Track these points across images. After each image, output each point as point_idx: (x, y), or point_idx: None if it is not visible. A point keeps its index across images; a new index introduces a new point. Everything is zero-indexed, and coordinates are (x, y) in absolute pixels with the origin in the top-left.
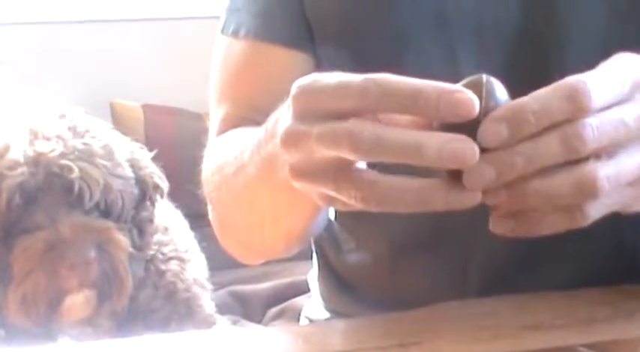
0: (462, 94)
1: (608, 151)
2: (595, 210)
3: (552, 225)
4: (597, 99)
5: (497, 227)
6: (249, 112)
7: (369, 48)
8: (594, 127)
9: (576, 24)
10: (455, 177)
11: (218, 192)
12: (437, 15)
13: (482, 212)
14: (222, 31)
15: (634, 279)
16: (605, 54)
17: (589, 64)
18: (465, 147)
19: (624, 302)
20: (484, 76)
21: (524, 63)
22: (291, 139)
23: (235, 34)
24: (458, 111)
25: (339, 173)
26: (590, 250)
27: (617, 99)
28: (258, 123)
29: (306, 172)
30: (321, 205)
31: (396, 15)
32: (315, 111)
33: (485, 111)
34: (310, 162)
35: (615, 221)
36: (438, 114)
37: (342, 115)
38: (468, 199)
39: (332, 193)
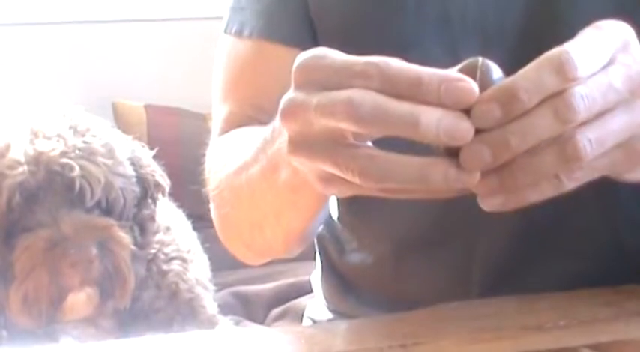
0: (464, 83)
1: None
2: (582, 173)
3: (540, 192)
4: (583, 68)
5: (487, 204)
6: (252, 111)
7: (372, 49)
8: (584, 96)
9: (580, 25)
10: (454, 156)
11: (220, 191)
12: (440, 17)
13: (483, 211)
14: (226, 31)
15: (635, 279)
16: None
17: None
18: (459, 123)
19: (627, 302)
20: (480, 59)
21: (528, 63)
22: (290, 109)
23: (239, 33)
24: (459, 99)
25: (338, 147)
26: (590, 248)
27: (602, 65)
28: (260, 122)
29: (304, 146)
30: (321, 189)
31: (400, 17)
32: (317, 83)
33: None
34: (309, 135)
35: (612, 218)
36: (438, 101)
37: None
38: (467, 178)
39: (330, 169)
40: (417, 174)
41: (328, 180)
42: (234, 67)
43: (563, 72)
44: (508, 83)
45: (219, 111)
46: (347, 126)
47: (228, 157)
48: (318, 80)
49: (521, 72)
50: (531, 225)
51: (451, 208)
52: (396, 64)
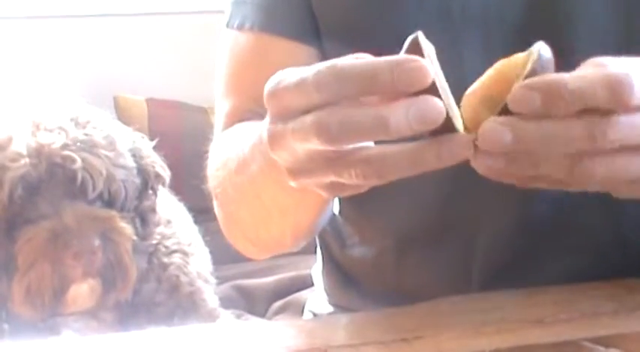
0: (414, 63)
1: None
2: (596, 175)
3: (547, 173)
4: (637, 98)
5: (481, 164)
6: (254, 105)
7: (375, 43)
8: (625, 126)
9: (582, 19)
10: (440, 134)
11: (223, 189)
12: (442, 10)
13: (485, 206)
14: (228, 25)
15: (637, 273)
16: (611, 48)
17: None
18: (426, 109)
19: (628, 296)
20: (419, 34)
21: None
22: (273, 141)
23: (241, 27)
24: (412, 81)
25: (331, 161)
26: (591, 243)
27: None
28: (262, 115)
29: (301, 170)
30: (329, 196)
31: (402, 11)
32: (287, 109)
33: None
34: (299, 159)
35: (615, 214)
36: (394, 88)
37: (314, 109)
38: (460, 151)
39: (334, 179)
40: (411, 161)
41: (335, 187)
42: (236, 61)
43: (617, 92)
44: (558, 78)
45: (221, 107)
46: (324, 147)
47: (228, 155)
48: (287, 106)
49: (575, 73)
50: (533, 220)
51: (453, 203)
52: (344, 63)
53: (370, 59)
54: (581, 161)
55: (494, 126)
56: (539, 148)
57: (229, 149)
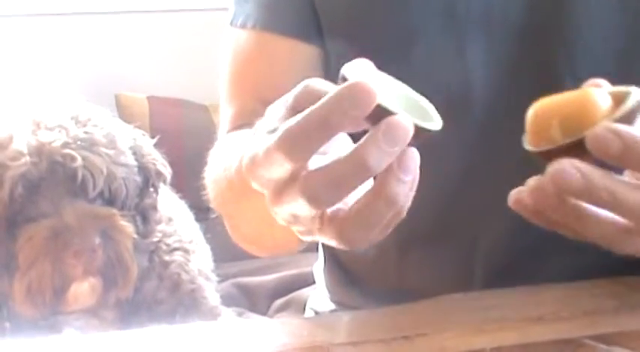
0: (357, 86)
1: None
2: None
3: (590, 234)
4: None
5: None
6: (257, 105)
7: (378, 42)
8: None
9: (585, 19)
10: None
11: (221, 202)
12: (446, 10)
13: (487, 204)
14: (232, 23)
15: (639, 272)
16: (613, 49)
17: (596, 59)
18: (394, 129)
19: (629, 294)
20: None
21: (532, 58)
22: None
23: (244, 25)
24: (360, 104)
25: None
26: (593, 244)
27: None
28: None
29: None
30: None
31: (406, 10)
32: (270, 181)
33: None
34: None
35: None
36: (351, 121)
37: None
38: (400, 133)
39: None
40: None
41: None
42: (238, 61)
43: None
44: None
45: (225, 111)
46: (310, 211)
47: (219, 172)
48: (268, 178)
49: None
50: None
51: (455, 202)
52: (296, 121)
53: (313, 107)
54: (630, 236)
55: (567, 169)
56: (599, 202)
57: (221, 165)
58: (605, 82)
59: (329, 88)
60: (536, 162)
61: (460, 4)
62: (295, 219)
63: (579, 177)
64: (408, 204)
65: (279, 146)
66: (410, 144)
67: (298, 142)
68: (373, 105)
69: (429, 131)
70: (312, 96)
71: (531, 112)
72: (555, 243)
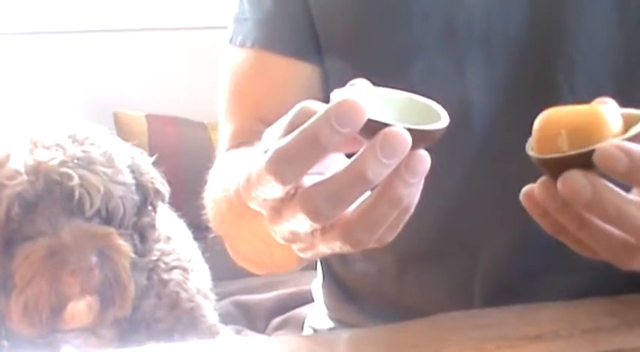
0: (343, 105)
1: None
2: None
3: (591, 241)
4: None
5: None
6: (256, 125)
7: (377, 61)
8: None
9: (584, 34)
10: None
11: (220, 223)
12: (445, 28)
13: (487, 222)
14: (230, 41)
15: (637, 290)
16: (612, 65)
17: (595, 76)
18: (398, 142)
19: (628, 312)
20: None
21: (532, 75)
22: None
23: (243, 44)
24: (351, 121)
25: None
26: (595, 262)
27: None
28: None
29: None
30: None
31: (405, 28)
32: (264, 201)
33: None
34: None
35: None
36: (341, 137)
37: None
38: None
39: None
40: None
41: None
42: (237, 80)
43: None
44: None
45: (224, 129)
46: (310, 226)
47: (217, 193)
48: (264, 198)
49: None
50: (535, 239)
51: (453, 221)
52: (284, 143)
53: (301, 127)
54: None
55: (578, 179)
56: (610, 221)
57: (220, 185)
58: (612, 101)
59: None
60: (535, 174)
61: (460, 23)
62: (295, 236)
63: (589, 189)
64: (416, 201)
65: (268, 168)
66: (418, 148)
67: (287, 163)
68: (363, 121)
69: (432, 132)
70: (307, 118)
71: (540, 119)
72: (555, 263)
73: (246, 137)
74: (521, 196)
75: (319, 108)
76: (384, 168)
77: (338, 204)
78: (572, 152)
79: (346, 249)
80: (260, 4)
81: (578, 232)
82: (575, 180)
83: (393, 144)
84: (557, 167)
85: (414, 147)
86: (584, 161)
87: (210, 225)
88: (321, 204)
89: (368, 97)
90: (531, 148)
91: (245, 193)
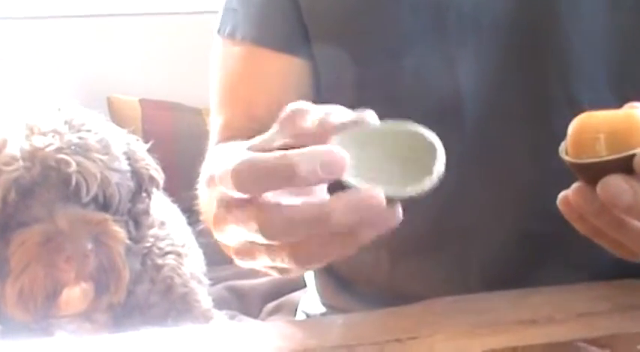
0: (333, 155)
1: None
2: None
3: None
4: None
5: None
6: (246, 122)
7: (368, 53)
8: None
9: (576, 21)
10: None
11: (206, 214)
12: (436, 19)
13: (482, 215)
14: (219, 32)
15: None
16: (600, 49)
17: (587, 68)
18: (368, 204)
19: (624, 296)
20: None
21: (523, 62)
22: (217, 225)
23: (232, 35)
24: (333, 171)
25: (267, 247)
26: (588, 258)
27: None
28: (254, 131)
29: (242, 253)
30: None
31: (395, 19)
32: (225, 199)
33: None
34: (241, 244)
35: None
36: (318, 179)
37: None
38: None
39: (274, 264)
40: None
41: (278, 270)
42: (228, 73)
43: None
44: None
45: (215, 121)
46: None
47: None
48: (223, 194)
49: None
50: (529, 234)
51: (447, 215)
52: (261, 157)
53: (283, 153)
54: None
55: (619, 183)
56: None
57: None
58: None
59: (314, 112)
60: (526, 164)
61: (450, 14)
62: (237, 240)
63: (630, 193)
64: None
65: (233, 173)
66: (393, 206)
67: (254, 177)
68: (341, 177)
69: (408, 197)
70: (295, 122)
71: (576, 123)
72: (550, 259)
73: (235, 131)
74: (557, 202)
75: (311, 110)
76: (351, 219)
77: (293, 234)
78: (612, 156)
79: (290, 265)
80: None
81: (617, 235)
82: (616, 184)
83: (363, 207)
84: (595, 171)
85: (389, 203)
86: (624, 165)
87: (201, 217)
88: (278, 229)
89: (366, 138)
90: (565, 152)
91: (212, 186)
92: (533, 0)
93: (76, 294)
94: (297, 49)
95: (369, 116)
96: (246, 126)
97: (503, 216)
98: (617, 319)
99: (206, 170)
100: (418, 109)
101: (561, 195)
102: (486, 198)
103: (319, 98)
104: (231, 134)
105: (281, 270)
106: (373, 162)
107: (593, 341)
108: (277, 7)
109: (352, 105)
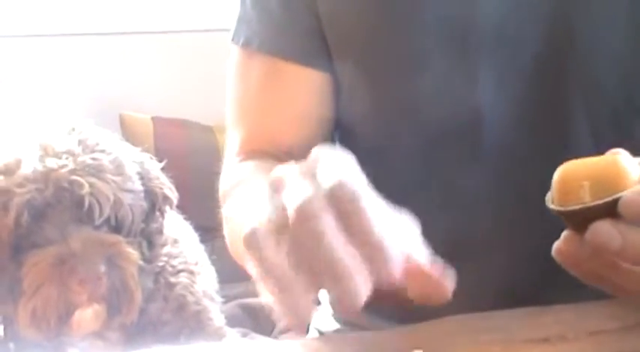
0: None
1: None
2: None
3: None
4: None
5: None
6: (265, 134)
7: (389, 67)
8: None
9: (596, 41)
10: None
11: (235, 251)
12: (459, 36)
13: (496, 234)
14: (233, 40)
15: None
16: (625, 68)
17: (606, 88)
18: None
19: (634, 314)
20: None
21: (544, 82)
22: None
23: (246, 45)
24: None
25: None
26: None
27: None
28: (274, 156)
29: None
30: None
31: (419, 35)
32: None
33: None
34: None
35: None
36: None
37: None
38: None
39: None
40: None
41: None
42: (245, 85)
43: None
44: None
45: (233, 133)
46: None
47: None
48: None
49: None
50: (540, 252)
51: (461, 233)
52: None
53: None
54: None
55: (607, 229)
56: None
57: (239, 214)
58: (625, 152)
59: (336, 160)
60: (543, 185)
61: (473, 30)
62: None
63: (619, 238)
64: None
65: (244, 240)
66: None
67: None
68: None
69: None
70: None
71: (560, 173)
72: (564, 279)
73: (256, 144)
74: (552, 253)
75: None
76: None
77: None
78: (597, 202)
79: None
80: (266, 10)
81: (613, 276)
82: (604, 230)
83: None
84: (582, 218)
85: None
86: (610, 210)
87: (227, 243)
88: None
89: None
90: (551, 201)
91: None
92: (553, 20)
93: (88, 316)
94: (318, 61)
95: None
96: (265, 150)
97: (516, 234)
98: (629, 337)
99: (235, 197)
100: (438, 128)
101: (554, 246)
102: (500, 217)
103: (338, 110)
104: (253, 147)
105: None
106: None
107: None
108: (297, 20)
109: (371, 121)
